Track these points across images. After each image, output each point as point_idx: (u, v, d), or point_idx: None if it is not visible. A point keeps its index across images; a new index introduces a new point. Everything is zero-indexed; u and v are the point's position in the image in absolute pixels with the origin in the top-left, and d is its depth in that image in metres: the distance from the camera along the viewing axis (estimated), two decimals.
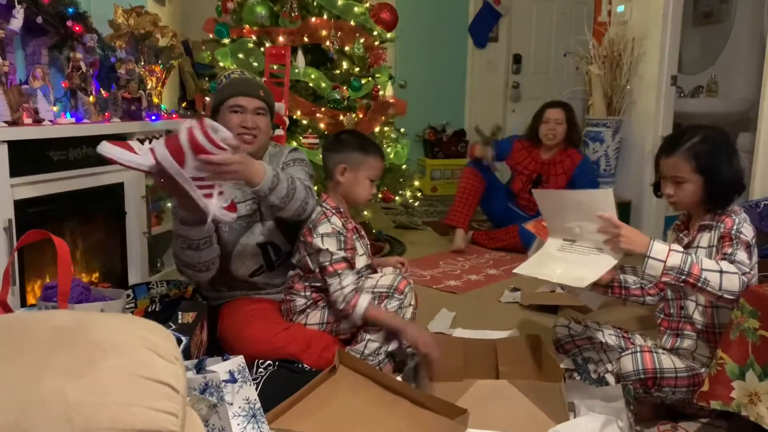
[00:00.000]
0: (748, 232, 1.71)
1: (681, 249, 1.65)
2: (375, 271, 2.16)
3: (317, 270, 2.01)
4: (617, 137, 4.21)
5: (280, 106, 2.96)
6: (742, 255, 1.66)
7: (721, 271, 1.60)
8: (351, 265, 2.01)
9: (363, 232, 2.16)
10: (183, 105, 3.30)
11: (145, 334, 0.65)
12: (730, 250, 1.67)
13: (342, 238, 2.01)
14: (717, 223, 1.75)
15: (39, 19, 2.38)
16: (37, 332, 0.62)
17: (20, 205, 2.03)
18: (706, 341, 1.78)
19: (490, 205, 4.04)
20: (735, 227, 1.71)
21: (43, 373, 0.58)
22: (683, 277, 1.60)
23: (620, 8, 4.29)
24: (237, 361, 1.27)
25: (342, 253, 1.99)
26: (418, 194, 3.94)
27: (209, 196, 1.65)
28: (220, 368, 1.23)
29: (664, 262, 1.60)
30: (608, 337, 2.03)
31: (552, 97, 4.91)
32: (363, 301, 1.95)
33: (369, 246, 2.19)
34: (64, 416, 0.55)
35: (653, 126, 4.04)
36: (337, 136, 2.23)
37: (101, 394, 0.57)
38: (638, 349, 1.79)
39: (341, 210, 2.06)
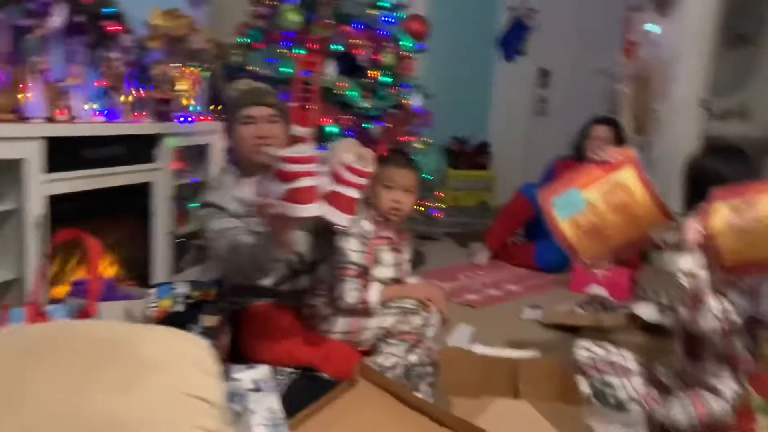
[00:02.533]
0: None
1: None
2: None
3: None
4: (644, 157, 4.17)
5: (305, 131, 2.97)
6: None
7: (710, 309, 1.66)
8: (360, 273, 1.99)
9: (400, 247, 2.14)
10: (212, 108, 3.32)
11: (188, 349, 0.66)
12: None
13: (365, 241, 2.01)
14: None
15: (79, 18, 2.42)
16: (85, 344, 0.62)
17: (52, 201, 2.07)
18: (728, 366, 1.76)
19: (533, 230, 3.88)
20: None
21: (90, 386, 0.58)
22: (696, 290, 1.66)
23: (653, 28, 4.26)
24: (262, 371, 1.27)
25: (356, 258, 1.99)
26: (441, 205, 3.94)
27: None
28: (245, 377, 1.24)
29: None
30: (630, 362, 2.01)
31: (579, 114, 4.89)
32: (373, 296, 1.97)
33: (404, 263, 2.17)
34: None
35: (681, 147, 3.99)
36: None
37: (147, 411, 0.58)
38: (681, 394, 1.78)
39: (377, 218, 2.06)
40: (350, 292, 1.95)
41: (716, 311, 1.66)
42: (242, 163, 2.13)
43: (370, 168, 1.60)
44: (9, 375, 0.58)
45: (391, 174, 2.05)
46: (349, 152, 1.61)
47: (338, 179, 1.56)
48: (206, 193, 2.07)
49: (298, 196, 1.52)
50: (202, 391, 0.63)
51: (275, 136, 2.04)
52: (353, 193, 1.57)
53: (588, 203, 1.90)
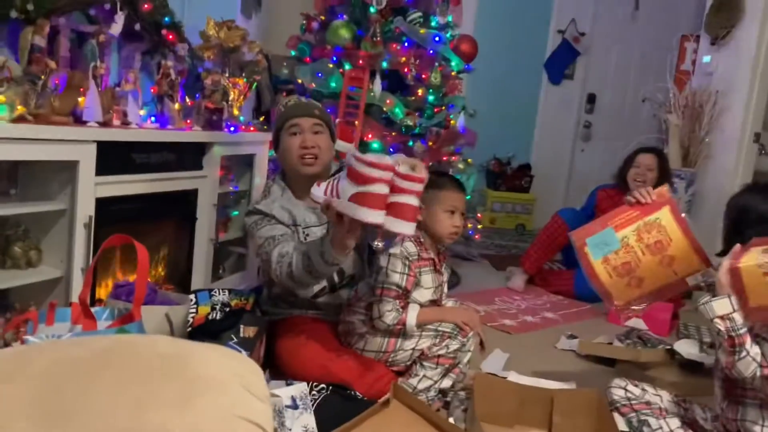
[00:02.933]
0: None
1: None
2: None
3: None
4: (690, 190, 4.08)
5: (349, 147, 3.00)
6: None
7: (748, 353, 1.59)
8: (401, 295, 1.99)
9: (442, 267, 2.14)
10: (260, 119, 3.37)
11: (240, 370, 0.66)
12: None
13: (407, 263, 2.00)
14: None
15: (137, 26, 2.48)
16: (144, 360, 0.63)
17: (101, 203, 2.11)
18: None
19: (572, 256, 3.79)
20: None
21: (148, 403, 0.59)
22: (733, 333, 1.58)
23: (706, 59, 4.18)
24: (300, 388, 1.27)
25: (397, 279, 1.98)
26: (479, 226, 3.91)
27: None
28: (283, 393, 1.24)
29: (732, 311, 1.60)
30: (667, 403, 1.95)
31: (624, 141, 4.83)
32: (411, 319, 1.96)
33: (444, 283, 2.18)
34: None
35: (730, 182, 3.90)
36: None
37: (200, 430, 0.58)
38: None
39: (421, 240, 2.06)
40: (388, 313, 1.95)
41: (754, 355, 1.61)
42: (289, 175, 2.15)
43: (424, 174, 1.60)
44: (69, 386, 0.59)
45: (453, 198, 2.05)
46: (403, 162, 1.62)
47: (395, 189, 1.55)
48: (254, 201, 2.11)
49: (369, 201, 1.51)
50: (253, 414, 0.63)
51: (320, 147, 2.07)
52: (413, 201, 1.57)
53: (622, 243, 1.90)
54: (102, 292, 2.33)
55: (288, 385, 1.28)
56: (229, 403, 0.62)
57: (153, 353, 0.65)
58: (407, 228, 1.57)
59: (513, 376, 2.32)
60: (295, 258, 1.83)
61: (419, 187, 1.58)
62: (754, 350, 1.61)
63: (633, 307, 2.05)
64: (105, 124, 2.15)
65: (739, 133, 3.87)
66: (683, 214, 1.91)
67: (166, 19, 2.63)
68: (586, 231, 1.99)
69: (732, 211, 1.87)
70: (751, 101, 3.82)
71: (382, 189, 1.53)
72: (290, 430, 1.23)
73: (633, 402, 1.97)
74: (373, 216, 1.52)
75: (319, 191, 1.67)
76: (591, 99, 5.93)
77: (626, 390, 1.99)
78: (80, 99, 2.09)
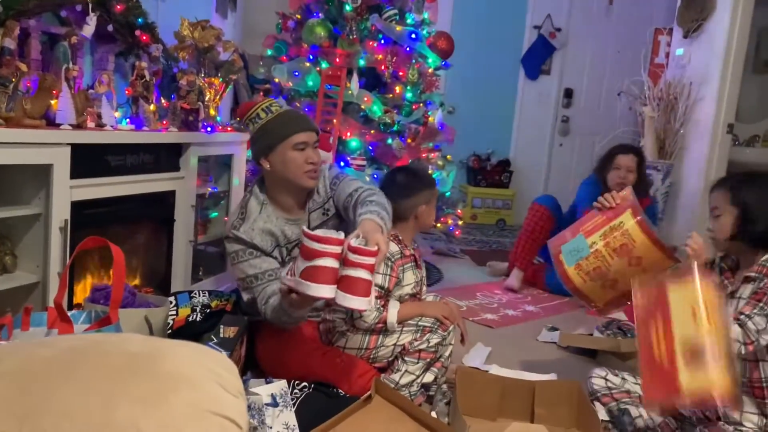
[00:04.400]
0: None
1: None
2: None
3: None
4: (667, 181, 4.14)
5: (327, 155, 2.99)
6: (759, 319, 1.66)
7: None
8: (382, 296, 2.02)
9: (421, 262, 2.19)
10: (237, 119, 3.35)
11: (213, 367, 0.66)
12: (749, 311, 1.68)
13: (390, 264, 2.03)
14: (762, 276, 1.71)
15: (110, 27, 2.46)
16: (112, 358, 0.63)
17: (76, 206, 2.08)
18: (753, 396, 1.73)
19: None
20: None
21: (118, 400, 0.59)
22: None
23: (679, 51, 4.24)
24: (280, 385, 1.27)
25: (380, 281, 2.00)
26: (459, 222, 3.93)
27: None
28: (263, 391, 1.23)
29: None
30: None
31: (602, 135, 4.88)
32: (392, 316, 1.98)
33: (424, 277, 2.23)
34: None
35: (705, 173, 3.96)
36: (408, 182, 2.20)
37: (172, 427, 0.58)
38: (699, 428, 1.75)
39: (399, 237, 2.11)
40: (369, 313, 1.96)
41: (736, 335, 1.65)
42: (278, 184, 2.06)
43: (377, 248, 1.58)
44: (37, 386, 0.59)
45: (437, 191, 2.24)
46: (356, 235, 1.61)
47: (347, 263, 1.55)
48: (233, 223, 2.03)
49: (317, 276, 1.53)
50: (226, 410, 0.63)
51: (320, 161, 2.04)
52: (363, 275, 1.54)
53: (591, 248, 1.96)
54: (81, 297, 2.31)
55: (268, 383, 1.28)
56: (200, 399, 0.62)
57: (123, 351, 0.64)
58: (358, 303, 1.54)
59: (495, 369, 2.33)
60: (273, 303, 1.88)
61: (370, 260, 1.55)
62: (736, 330, 1.65)
63: (613, 309, 2.11)
64: (79, 126, 2.13)
65: (712, 124, 3.93)
66: (639, 216, 1.95)
67: (140, 19, 2.60)
68: (560, 238, 2.07)
69: (750, 199, 1.81)
70: (724, 92, 3.88)
71: (330, 263, 1.54)
72: (271, 428, 1.23)
73: (613, 391, 1.99)
74: (322, 291, 1.53)
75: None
76: (568, 93, 5.99)
77: (606, 379, 2.02)
78: (53, 101, 2.06)
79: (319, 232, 1.56)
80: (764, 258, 1.74)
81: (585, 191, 3.58)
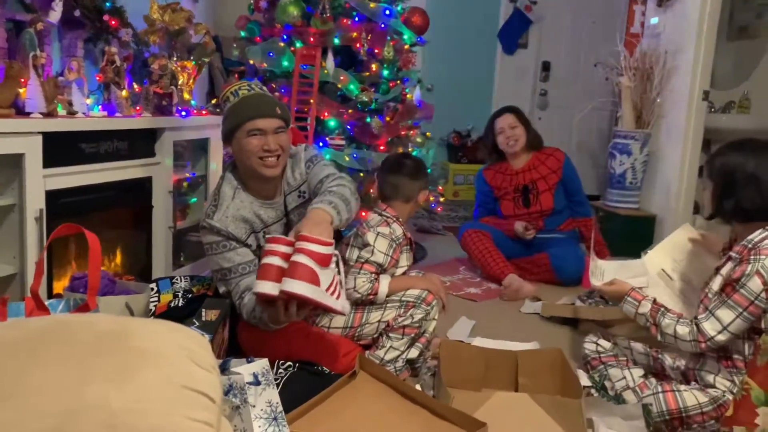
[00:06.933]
0: (753, 288, 1.65)
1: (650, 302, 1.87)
2: None
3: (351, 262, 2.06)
4: (645, 150, 4.17)
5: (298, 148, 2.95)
6: (721, 314, 1.69)
7: (674, 336, 1.78)
8: (377, 272, 2.06)
9: (413, 245, 2.26)
10: (212, 102, 3.32)
11: (185, 342, 0.66)
12: (711, 306, 1.72)
13: (394, 246, 2.10)
14: (739, 258, 1.71)
15: (77, 12, 2.41)
16: (82, 337, 0.63)
17: (51, 196, 2.06)
18: (734, 367, 1.76)
19: (505, 249, 3.41)
20: (741, 280, 1.67)
21: (88, 378, 0.59)
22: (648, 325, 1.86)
23: (654, 20, 4.25)
24: (261, 364, 1.27)
25: (381, 259, 2.05)
26: (441, 199, 3.93)
27: (339, 295, 1.64)
28: (244, 370, 1.24)
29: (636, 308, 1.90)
30: (637, 355, 2.01)
31: (581, 107, 4.89)
32: (383, 287, 2.03)
33: (412, 257, 2.30)
34: (106, 422, 0.56)
35: (682, 140, 3.99)
36: (416, 165, 2.28)
37: (143, 402, 0.58)
38: (659, 389, 1.79)
39: (400, 219, 2.18)
40: (364, 284, 1.99)
41: (683, 334, 1.76)
42: (244, 172, 2.01)
43: (329, 240, 1.62)
44: (5, 368, 0.58)
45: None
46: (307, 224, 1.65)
47: (296, 249, 1.59)
48: (207, 211, 1.98)
49: (260, 272, 1.63)
50: (198, 384, 0.63)
51: (283, 147, 1.94)
52: (306, 261, 1.56)
53: None
54: (60, 287, 2.29)
55: (249, 362, 1.28)
56: (172, 374, 0.62)
57: (92, 331, 0.64)
58: (298, 287, 1.54)
59: (478, 341, 2.35)
60: (248, 303, 1.89)
61: (313, 247, 1.57)
62: (683, 330, 1.77)
63: None
64: (49, 114, 2.10)
65: (688, 92, 3.95)
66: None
67: (107, 4, 2.56)
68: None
69: (719, 173, 1.81)
70: (699, 60, 3.89)
71: (273, 260, 1.61)
72: (254, 406, 1.23)
73: (602, 355, 2.05)
74: (260, 286, 1.60)
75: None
76: (546, 67, 5.98)
77: (597, 344, 2.07)
78: (21, 90, 2.03)
79: (274, 234, 1.66)
80: (748, 238, 1.71)
81: (477, 184, 3.65)
